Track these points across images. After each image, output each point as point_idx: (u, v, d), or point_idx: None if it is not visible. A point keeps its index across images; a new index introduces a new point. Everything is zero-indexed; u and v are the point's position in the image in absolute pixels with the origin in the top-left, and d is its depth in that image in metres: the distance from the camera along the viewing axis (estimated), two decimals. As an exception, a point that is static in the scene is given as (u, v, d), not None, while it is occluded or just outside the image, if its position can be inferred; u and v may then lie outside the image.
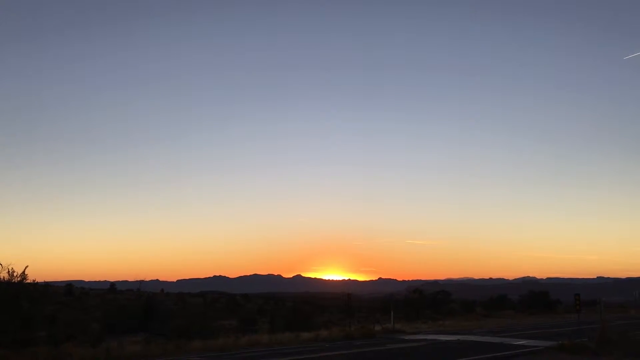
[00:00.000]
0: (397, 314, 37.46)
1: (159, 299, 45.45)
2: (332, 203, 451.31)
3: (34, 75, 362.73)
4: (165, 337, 23.68)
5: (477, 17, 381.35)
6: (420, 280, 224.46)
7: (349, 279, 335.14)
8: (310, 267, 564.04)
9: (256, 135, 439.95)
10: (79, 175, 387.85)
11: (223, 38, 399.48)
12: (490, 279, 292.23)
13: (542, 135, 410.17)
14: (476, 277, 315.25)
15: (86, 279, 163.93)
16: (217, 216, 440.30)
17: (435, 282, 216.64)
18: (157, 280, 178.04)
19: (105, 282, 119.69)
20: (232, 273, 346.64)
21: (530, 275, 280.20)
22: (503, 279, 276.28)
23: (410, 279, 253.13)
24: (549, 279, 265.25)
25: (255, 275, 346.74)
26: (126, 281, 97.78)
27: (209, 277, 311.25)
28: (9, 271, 20.52)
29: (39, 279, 22.31)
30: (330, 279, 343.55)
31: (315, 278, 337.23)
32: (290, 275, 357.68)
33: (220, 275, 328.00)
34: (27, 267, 20.89)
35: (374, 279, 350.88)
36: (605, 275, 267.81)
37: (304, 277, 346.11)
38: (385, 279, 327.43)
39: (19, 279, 20.58)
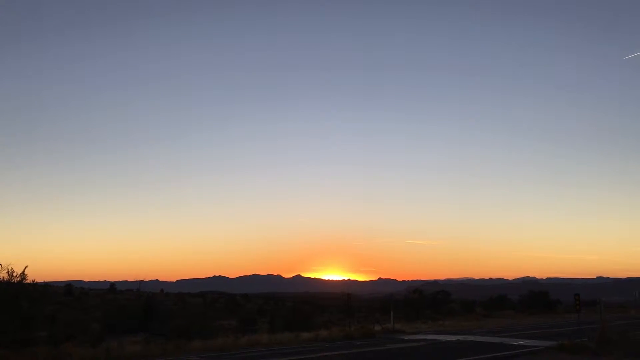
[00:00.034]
0: (397, 314, 37.46)
1: (158, 299, 45.46)
2: (332, 203, 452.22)
3: (34, 75, 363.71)
4: (165, 337, 23.67)
5: (477, 17, 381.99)
6: (420, 280, 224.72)
7: (349, 279, 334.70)
8: (310, 267, 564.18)
9: (256, 135, 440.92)
10: (78, 175, 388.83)
11: (223, 38, 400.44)
12: (490, 279, 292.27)
13: (542, 135, 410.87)
14: (476, 277, 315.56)
15: (86, 279, 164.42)
16: (217, 216, 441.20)
17: (435, 282, 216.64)
18: (157, 280, 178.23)
19: (105, 282, 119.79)
20: (232, 273, 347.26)
21: (530, 275, 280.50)
22: (503, 279, 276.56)
23: (410, 279, 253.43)
24: (548, 279, 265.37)
25: (255, 275, 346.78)
26: (126, 281, 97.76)
27: (209, 277, 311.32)
28: (8, 271, 20.54)
29: (39, 279, 22.33)
30: (330, 279, 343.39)
31: (315, 278, 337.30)
32: (290, 276, 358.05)
33: (220, 276, 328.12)
34: (26, 267, 20.93)
35: (373, 279, 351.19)
36: (605, 275, 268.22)
37: (304, 277, 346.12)
38: (385, 279, 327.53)
39: (18, 279, 20.59)
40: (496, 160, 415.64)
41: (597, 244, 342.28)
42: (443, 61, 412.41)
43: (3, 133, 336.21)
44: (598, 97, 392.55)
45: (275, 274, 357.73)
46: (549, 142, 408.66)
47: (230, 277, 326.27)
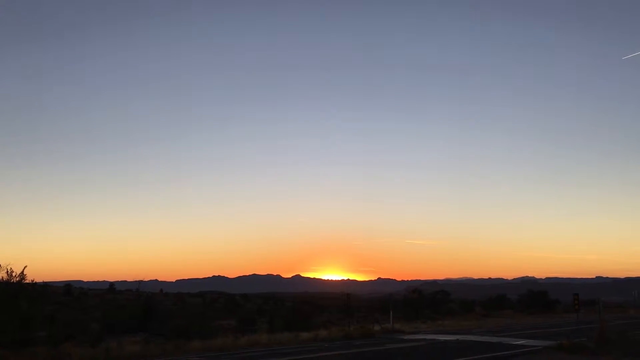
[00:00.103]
0: (396, 313, 37.51)
1: (158, 299, 45.48)
2: (332, 203, 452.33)
3: (34, 75, 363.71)
4: (164, 337, 23.69)
5: (477, 17, 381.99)
6: (420, 280, 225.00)
7: (348, 279, 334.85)
8: (310, 267, 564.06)
9: (256, 135, 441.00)
10: (78, 175, 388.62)
11: (223, 38, 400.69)
12: (490, 278, 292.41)
13: (542, 135, 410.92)
14: (475, 277, 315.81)
15: (85, 279, 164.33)
16: (216, 216, 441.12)
17: (434, 282, 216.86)
18: (156, 280, 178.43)
19: (104, 282, 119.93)
20: (232, 273, 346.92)
21: (530, 275, 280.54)
22: (502, 279, 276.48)
23: (409, 279, 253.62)
24: (548, 278, 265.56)
25: (254, 275, 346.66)
26: (125, 281, 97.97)
27: (208, 277, 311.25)
28: (7, 271, 20.57)
29: (38, 279, 22.38)
30: (330, 279, 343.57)
31: (314, 278, 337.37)
32: (290, 275, 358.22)
33: (219, 275, 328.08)
34: (25, 267, 20.96)
35: (373, 279, 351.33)
36: (604, 275, 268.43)
37: (303, 277, 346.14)
38: (385, 278, 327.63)
39: (17, 279, 20.60)
40: (496, 160, 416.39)
41: (596, 244, 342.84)
42: (443, 61, 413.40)
43: (3, 133, 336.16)
44: (598, 97, 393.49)
45: (275, 274, 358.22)
46: (549, 142, 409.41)
47: (229, 277, 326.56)
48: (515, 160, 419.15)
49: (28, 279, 20.90)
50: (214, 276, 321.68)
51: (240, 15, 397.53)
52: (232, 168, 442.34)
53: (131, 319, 29.91)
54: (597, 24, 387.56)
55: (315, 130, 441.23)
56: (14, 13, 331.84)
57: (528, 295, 65.16)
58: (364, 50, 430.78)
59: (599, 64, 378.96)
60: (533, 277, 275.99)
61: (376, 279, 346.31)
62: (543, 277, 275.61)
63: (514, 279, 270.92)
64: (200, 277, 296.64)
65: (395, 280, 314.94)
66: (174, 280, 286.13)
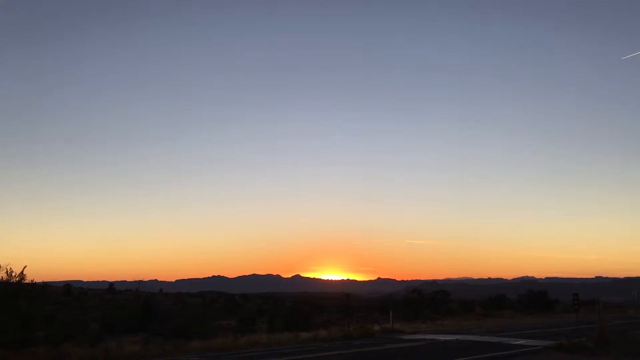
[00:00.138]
0: (396, 313, 37.51)
1: (157, 299, 45.46)
2: (332, 203, 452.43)
3: (34, 75, 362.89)
4: (164, 337, 23.68)
5: (477, 17, 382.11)
6: (419, 280, 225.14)
7: (348, 279, 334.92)
8: (309, 267, 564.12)
9: (256, 135, 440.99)
10: (78, 175, 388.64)
11: (223, 38, 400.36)
12: (489, 278, 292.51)
13: (542, 135, 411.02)
14: (475, 277, 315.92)
15: (85, 279, 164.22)
16: (216, 216, 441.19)
17: (434, 282, 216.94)
18: (156, 280, 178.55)
19: (104, 282, 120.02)
20: (231, 273, 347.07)
21: (529, 275, 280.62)
22: (502, 279, 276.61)
23: (409, 279, 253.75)
24: (547, 278, 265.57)
25: (254, 275, 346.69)
26: (125, 281, 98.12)
27: (208, 277, 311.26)
28: (7, 271, 20.55)
29: (38, 279, 22.34)
30: (329, 278, 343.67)
31: (314, 278, 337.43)
32: (289, 275, 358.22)
33: (219, 275, 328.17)
34: (25, 267, 20.94)
35: (372, 278, 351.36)
36: (604, 275, 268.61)
37: (303, 277, 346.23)
38: (384, 278, 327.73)
39: (17, 279, 20.59)
40: (496, 160, 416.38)
41: (596, 243, 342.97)
42: (443, 61, 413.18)
43: (3, 133, 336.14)
44: (598, 97, 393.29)
45: (275, 273, 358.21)
46: (549, 142, 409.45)
47: (229, 277, 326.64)
48: (515, 160, 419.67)
49: (28, 279, 20.91)
50: (213, 276, 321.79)
51: (240, 15, 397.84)
52: (232, 168, 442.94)
53: (131, 319, 29.91)
54: (597, 24, 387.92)
55: (315, 130, 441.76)
56: (14, 13, 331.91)
57: (528, 295, 65.21)
58: (364, 50, 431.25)
59: (599, 64, 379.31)
60: (533, 277, 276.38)
61: (376, 279, 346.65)
62: (543, 277, 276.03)
63: (514, 279, 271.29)
64: (200, 277, 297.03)
65: (395, 280, 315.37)
66: (173, 280, 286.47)
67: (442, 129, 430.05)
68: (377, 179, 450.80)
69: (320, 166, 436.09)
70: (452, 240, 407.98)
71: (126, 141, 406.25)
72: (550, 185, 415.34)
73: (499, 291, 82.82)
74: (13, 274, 20.53)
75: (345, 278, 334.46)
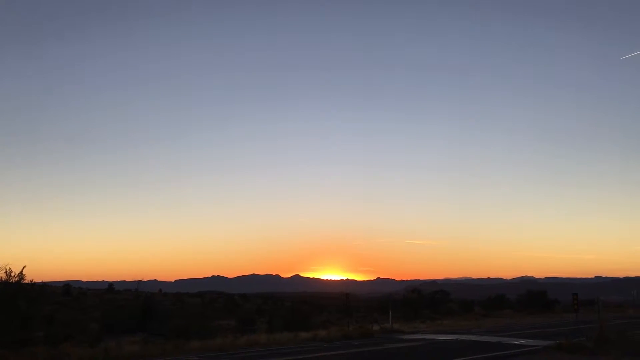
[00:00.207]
0: (395, 313, 37.48)
1: (157, 299, 45.47)
2: (332, 203, 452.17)
3: (34, 75, 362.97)
4: (163, 337, 23.68)
5: (477, 17, 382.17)
6: (419, 280, 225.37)
7: (348, 279, 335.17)
8: (309, 267, 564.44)
9: (256, 135, 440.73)
10: (78, 175, 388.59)
11: (223, 38, 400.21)
12: (489, 278, 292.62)
13: (542, 135, 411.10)
14: (474, 277, 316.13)
15: (84, 279, 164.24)
16: (216, 216, 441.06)
17: (433, 282, 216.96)
18: (155, 280, 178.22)
19: (103, 282, 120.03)
20: (231, 273, 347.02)
21: (529, 275, 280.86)
22: (501, 279, 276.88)
23: (408, 279, 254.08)
24: (547, 278, 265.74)
25: (253, 275, 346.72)
26: (124, 281, 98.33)
27: (207, 277, 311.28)
28: (6, 271, 20.51)
29: (37, 279, 22.31)
30: (329, 278, 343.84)
31: (313, 278, 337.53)
32: (289, 275, 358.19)
33: (218, 275, 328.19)
34: (24, 267, 20.91)
35: (372, 278, 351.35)
36: (604, 275, 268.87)
37: (303, 277, 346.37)
38: (384, 278, 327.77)
39: (16, 279, 20.56)
40: (495, 160, 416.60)
41: (596, 243, 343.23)
42: (443, 61, 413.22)
43: (3, 133, 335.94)
44: (598, 97, 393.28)
45: (274, 273, 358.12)
46: (549, 142, 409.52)
47: (228, 277, 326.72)
48: (515, 160, 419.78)
49: (27, 279, 20.88)
50: (213, 276, 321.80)
51: (240, 15, 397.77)
52: (232, 168, 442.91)
53: (130, 319, 29.92)
54: (597, 24, 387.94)
55: (315, 130, 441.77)
56: (14, 13, 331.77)
57: (527, 295, 65.17)
58: (364, 50, 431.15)
59: (599, 64, 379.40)
60: (532, 277, 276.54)
61: (375, 278, 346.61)
62: (542, 277, 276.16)
63: (513, 278, 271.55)
64: (200, 277, 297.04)
65: (394, 280, 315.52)
66: (173, 280, 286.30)
67: (442, 129, 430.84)
68: (377, 179, 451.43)
69: (320, 166, 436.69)
70: (452, 240, 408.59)
71: (126, 141, 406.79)
72: (550, 185, 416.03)
73: (498, 291, 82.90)
74: (12, 274, 20.52)
75: (344, 278, 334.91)
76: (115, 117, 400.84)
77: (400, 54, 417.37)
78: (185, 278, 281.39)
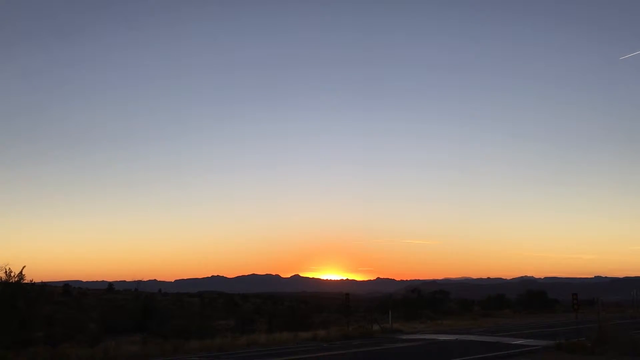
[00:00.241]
0: (395, 313, 37.53)
1: (156, 299, 45.41)
2: (332, 203, 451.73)
3: (34, 75, 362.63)
4: (163, 337, 23.66)
5: (477, 17, 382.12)
6: (419, 279, 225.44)
7: (347, 279, 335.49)
8: (309, 267, 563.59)
9: (256, 135, 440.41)
10: (77, 175, 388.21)
11: (223, 38, 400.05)
12: (489, 278, 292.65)
13: (542, 135, 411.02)
14: (474, 277, 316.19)
15: (84, 279, 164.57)
16: (215, 216, 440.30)
17: (433, 282, 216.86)
18: (155, 280, 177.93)
19: (103, 282, 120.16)
20: (230, 273, 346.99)
21: (529, 275, 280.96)
22: (501, 279, 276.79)
23: (408, 279, 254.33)
24: (547, 278, 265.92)
25: (253, 275, 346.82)
26: (124, 281, 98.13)
27: (207, 277, 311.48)
28: (6, 271, 20.50)
29: (37, 279, 22.30)
30: (329, 278, 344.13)
31: (313, 278, 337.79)
32: (289, 275, 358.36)
33: (218, 275, 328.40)
34: (24, 267, 20.89)
35: (372, 278, 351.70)
36: (603, 275, 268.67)
37: (302, 277, 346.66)
38: (384, 278, 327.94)
39: (16, 279, 20.55)
40: (495, 159, 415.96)
41: (595, 243, 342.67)
42: (443, 61, 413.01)
43: (3, 133, 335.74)
44: (598, 97, 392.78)
45: (274, 273, 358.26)
46: (549, 142, 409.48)
47: (228, 277, 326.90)
48: (515, 160, 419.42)
49: (26, 279, 20.85)
50: (212, 276, 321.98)
51: (240, 15, 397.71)
52: (232, 168, 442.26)
53: (130, 319, 29.85)
54: (597, 24, 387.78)
55: (315, 130, 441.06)
56: (14, 13, 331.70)
57: (527, 295, 65.25)
58: (365, 49, 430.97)
59: (598, 64, 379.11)
60: (532, 276, 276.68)
61: (375, 278, 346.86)
62: (542, 277, 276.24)
63: (513, 278, 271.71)
64: (199, 277, 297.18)
65: (394, 280, 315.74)
66: (172, 280, 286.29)
67: (442, 128, 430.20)
68: (377, 179, 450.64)
69: (320, 166, 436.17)
70: (452, 240, 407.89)
71: (126, 141, 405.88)
72: (548, 185, 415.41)
73: (498, 291, 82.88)
74: (12, 274, 20.50)
75: (344, 278, 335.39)
76: (115, 117, 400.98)
77: (401, 53, 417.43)
78: (185, 278, 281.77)
